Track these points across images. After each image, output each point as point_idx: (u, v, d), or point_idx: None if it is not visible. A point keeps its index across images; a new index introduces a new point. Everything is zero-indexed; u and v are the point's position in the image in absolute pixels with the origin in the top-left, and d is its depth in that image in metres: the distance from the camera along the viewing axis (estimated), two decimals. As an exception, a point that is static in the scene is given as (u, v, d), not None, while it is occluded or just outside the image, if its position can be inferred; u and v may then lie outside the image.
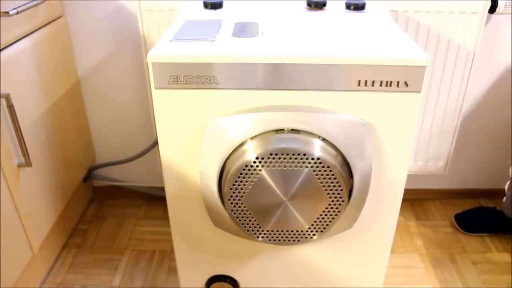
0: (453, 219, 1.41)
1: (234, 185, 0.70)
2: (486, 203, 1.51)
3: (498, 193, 1.51)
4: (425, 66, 0.68)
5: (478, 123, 1.39)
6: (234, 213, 0.74)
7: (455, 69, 1.18)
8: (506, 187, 1.29)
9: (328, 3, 0.98)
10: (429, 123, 1.27)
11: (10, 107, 0.93)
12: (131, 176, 1.50)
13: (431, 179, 1.50)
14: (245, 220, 0.74)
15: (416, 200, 1.53)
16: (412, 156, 1.33)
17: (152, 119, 1.34)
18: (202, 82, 0.70)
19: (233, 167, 0.70)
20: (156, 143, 1.36)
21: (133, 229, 1.41)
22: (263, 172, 0.69)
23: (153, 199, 1.54)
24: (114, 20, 1.24)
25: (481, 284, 1.20)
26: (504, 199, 1.30)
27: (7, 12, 0.91)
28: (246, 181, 0.70)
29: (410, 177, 1.50)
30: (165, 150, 0.78)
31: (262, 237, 0.77)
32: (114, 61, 1.30)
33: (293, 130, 0.71)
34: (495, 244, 1.34)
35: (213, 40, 0.75)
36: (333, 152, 0.71)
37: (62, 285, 1.20)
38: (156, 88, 0.72)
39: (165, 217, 1.46)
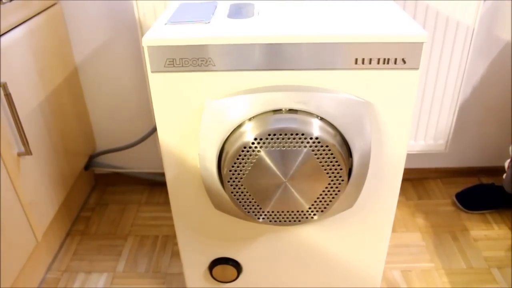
0: (454, 198, 1.42)
1: (233, 166, 0.70)
2: (487, 180, 1.51)
3: (498, 170, 1.51)
4: (422, 43, 0.67)
5: (478, 101, 1.38)
6: (234, 195, 0.74)
7: (454, 46, 1.17)
8: (506, 165, 1.29)
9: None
10: (429, 101, 1.26)
11: (8, 96, 0.93)
12: (132, 162, 1.51)
13: (431, 158, 1.50)
14: (245, 202, 0.75)
15: (417, 179, 1.54)
16: (413, 135, 1.32)
17: (151, 104, 1.34)
18: (198, 65, 0.70)
19: (231, 149, 0.70)
20: (156, 129, 1.36)
21: (136, 215, 1.41)
22: (262, 153, 0.69)
23: (155, 185, 1.55)
24: (109, 6, 1.23)
25: (483, 261, 1.21)
26: (504, 176, 1.31)
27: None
28: (245, 163, 0.70)
29: (410, 156, 1.49)
30: (163, 134, 0.77)
31: (263, 218, 0.77)
32: (111, 47, 1.29)
33: (291, 110, 0.71)
34: (496, 221, 1.34)
35: (209, 22, 0.74)
36: (332, 131, 0.71)
37: (67, 272, 1.21)
38: (152, 71, 0.71)
39: (167, 202, 1.47)
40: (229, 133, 0.73)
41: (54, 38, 1.18)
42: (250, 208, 0.76)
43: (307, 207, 0.75)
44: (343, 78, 0.71)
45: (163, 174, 1.52)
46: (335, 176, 0.72)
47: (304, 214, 0.77)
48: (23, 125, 1.01)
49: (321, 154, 0.69)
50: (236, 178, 0.72)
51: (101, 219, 1.40)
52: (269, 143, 0.69)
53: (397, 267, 1.20)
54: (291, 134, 0.68)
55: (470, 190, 1.41)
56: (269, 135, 0.68)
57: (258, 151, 0.69)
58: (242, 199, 0.74)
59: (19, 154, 1.00)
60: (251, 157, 0.70)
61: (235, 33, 0.68)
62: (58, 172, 1.20)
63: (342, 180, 0.72)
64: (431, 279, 1.16)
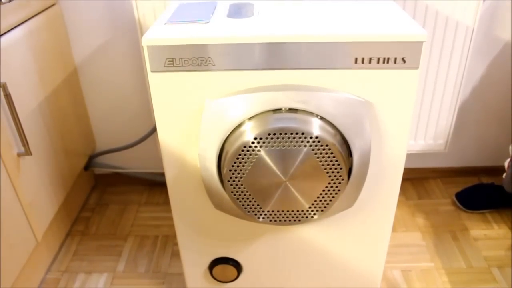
0: (454, 197, 1.42)
1: (233, 166, 0.70)
2: (486, 180, 1.51)
3: (498, 170, 1.51)
4: (422, 42, 0.67)
5: (478, 100, 1.38)
6: (234, 195, 0.74)
7: (454, 45, 1.17)
8: (506, 164, 1.29)
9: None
10: (428, 101, 1.26)
11: (7, 96, 0.93)
12: (132, 162, 1.51)
13: (431, 157, 1.50)
14: (245, 201, 0.75)
15: (417, 179, 1.54)
16: (412, 135, 1.33)
17: (151, 104, 1.34)
18: (198, 64, 0.70)
19: (231, 148, 0.70)
20: (155, 129, 1.36)
21: (136, 215, 1.41)
22: (262, 153, 0.69)
23: (155, 185, 1.55)
24: (109, 6, 1.23)
25: (483, 261, 1.21)
26: (504, 175, 1.31)
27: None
28: (245, 162, 0.70)
29: (410, 156, 1.49)
30: (163, 134, 0.77)
31: (263, 218, 0.77)
32: (110, 47, 1.29)
33: (291, 110, 0.71)
34: (496, 220, 1.34)
35: (208, 22, 0.74)
36: (332, 130, 0.71)
37: (67, 272, 1.21)
38: (152, 71, 0.71)
39: (167, 202, 1.46)
40: (229, 133, 0.73)
41: (54, 38, 1.18)
42: (250, 208, 0.76)
43: (307, 206, 0.75)
44: (343, 78, 0.71)
45: (163, 174, 1.52)
46: (335, 176, 0.72)
47: (304, 214, 0.77)
48: (23, 126, 1.01)
49: (321, 154, 0.69)
50: (236, 177, 0.72)
51: (101, 220, 1.40)
52: (269, 142, 0.69)
53: (397, 266, 1.20)
54: (291, 134, 0.68)
55: (470, 189, 1.41)
56: (269, 134, 0.68)
57: (258, 150, 0.69)
58: (242, 198, 0.74)
59: (19, 155, 1.00)
60: (251, 156, 0.70)
61: (235, 33, 0.69)
62: (58, 173, 1.20)
63: (342, 180, 0.72)
64: (431, 279, 1.16)
